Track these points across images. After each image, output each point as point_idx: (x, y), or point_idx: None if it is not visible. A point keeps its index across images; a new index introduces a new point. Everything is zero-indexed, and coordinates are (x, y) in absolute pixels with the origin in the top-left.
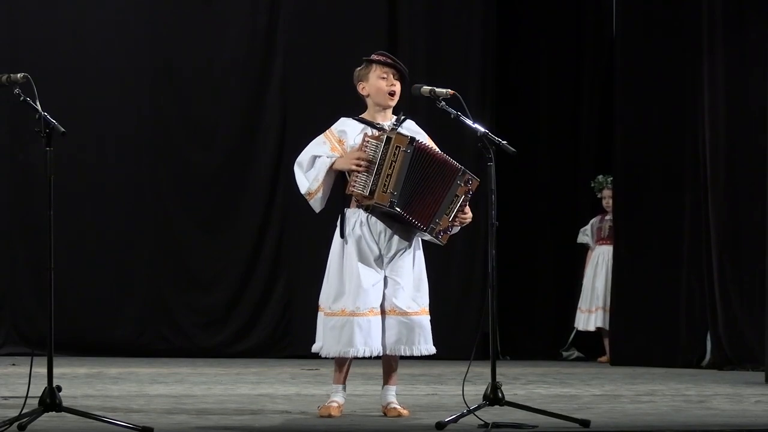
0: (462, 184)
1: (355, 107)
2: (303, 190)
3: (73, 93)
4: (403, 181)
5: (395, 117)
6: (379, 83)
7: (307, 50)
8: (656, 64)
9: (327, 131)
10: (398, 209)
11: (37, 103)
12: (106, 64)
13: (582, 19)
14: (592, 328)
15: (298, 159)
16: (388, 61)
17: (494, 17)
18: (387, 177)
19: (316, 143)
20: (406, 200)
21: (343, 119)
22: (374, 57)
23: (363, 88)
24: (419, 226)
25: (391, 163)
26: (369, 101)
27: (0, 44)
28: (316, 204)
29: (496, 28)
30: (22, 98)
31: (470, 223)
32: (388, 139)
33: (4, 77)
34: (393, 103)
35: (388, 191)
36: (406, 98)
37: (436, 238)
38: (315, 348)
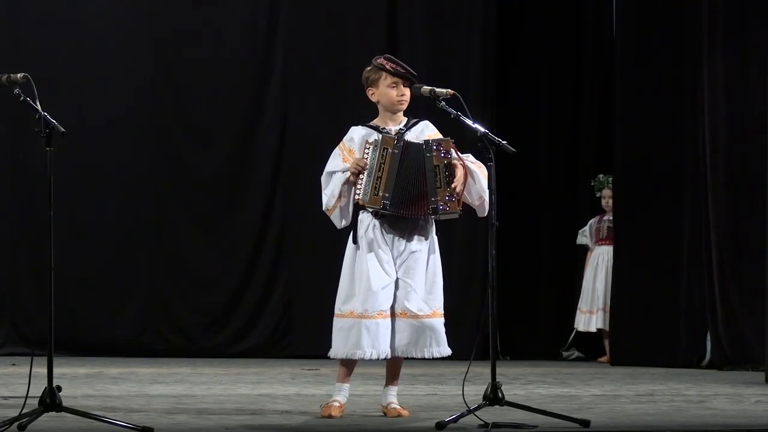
0: (433, 154)
1: (356, 107)
2: (323, 207)
3: (72, 93)
4: (394, 182)
5: (405, 120)
6: (389, 92)
7: (307, 50)
8: (656, 64)
9: (340, 143)
10: (391, 210)
11: (37, 103)
12: (105, 63)
13: (582, 19)
14: (593, 329)
15: (321, 178)
16: (399, 70)
17: (494, 17)
18: (378, 180)
19: (332, 158)
20: (400, 200)
21: (352, 128)
22: (385, 64)
23: (372, 94)
24: (425, 215)
25: (381, 166)
26: (379, 107)
27: (0, 44)
28: (336, 220)
29: (496, 28)
30: (22, 98)
31: (469, 217)
32: (376, 142)
33: (4, 77)
34: (403, 107)
35: (380, 194)
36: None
37: (446, 211)
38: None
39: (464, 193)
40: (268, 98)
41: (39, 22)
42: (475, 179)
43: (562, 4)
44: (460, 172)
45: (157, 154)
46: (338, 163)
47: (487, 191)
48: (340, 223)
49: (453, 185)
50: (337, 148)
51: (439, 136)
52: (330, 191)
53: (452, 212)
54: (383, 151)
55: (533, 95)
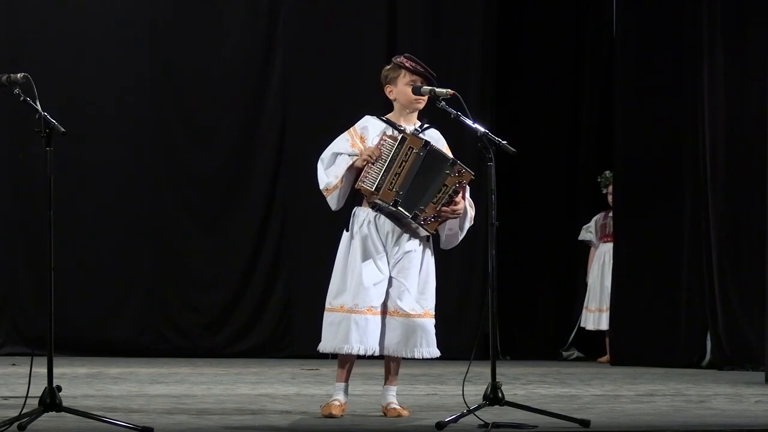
0: (451, 174)
1: (356, 107)
2: (321, 186)
3: (72, 93)
4: (411, 182)
5: (420, 123)
6: (407, 90)
7: (307, 50)
8: (656, 64)
9: (351, 128)
10: (401, 209)
11: (37, 103)
12: (106, 64)
13: (582, 19)
14: (604, 327)
15: (321, 156)
16: (419, 69)
17: (494, 17)
18: (395, 176)
19: (339, 140)
20: (412, 202)
21: (367, 117)
22: (405, 63)
23: (390, 92)
24: (405, 214)
25: (402, 163)
26: (396, 104)
27: (0, 44)
28: (333, 201)
29: (496, 28)
30: (22, 98)
31: (469, 223)
32: (403, 139)
33: (4, 77)
34: (420, 106)
35: (394, 190)
36: None
37: (422, 225)
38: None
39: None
40: (268, 98)
41: (39, 22)
42: (462, 219)
43: (562, 5)
44: (460, 207)
45: (157, 153)
46: (346, 147)
47: (462, 234)
48: (336, 205)
49: (446, 210)
50: (346, 132)
51: (446, 148)
52: (334, 172)
53: (425, 228)
54: (408, 149)
55: (533, 95)
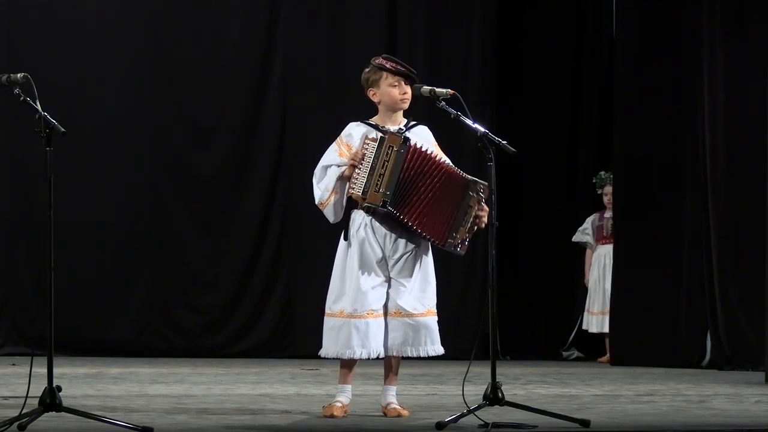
0: (474, 195)
1: (356, 107)
2: (316, 201)
3: (72, 93)
4: (396, 181)
5: (405, 121)
6: (391, 91)
7: (307, 50)
8: (656, 64)
9: (337, 138)
10: (390, 209)
11: (37, 103)
12: (105, 63)
13: (582, 19)
14: (607, 330)
15: (314, 171)
16: (400, 69)
17: (494, 17)
18: (380, 177)
19: (327, 153)
20: (400, 200)
21: (350, 124)
22: (385, 64)
23: (374, 94)
24: (435, 243)
25: (384, 163)
26: (381, 106)
27: (0, 44)
28: (329, 213)
29: (496, 28)
30: (22, 98)
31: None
32: (381, 139)
33: (4, 77)
34: (406, 106)
35: (381, 191)
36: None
37: (455, 250)
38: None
39: None
40: (268, 98)
41: (39, 22)
42: None
43: (562, 5)
44: (485, 215)
45: (157, 154)
46: (334, 158)
47: None
48: (334, 217)
49: (472, 227)
50: (333, 143)
51: (435, 144)
52: (324, 185)
53: (457, 252)
54: (388, 149)
55: (533, 95)
